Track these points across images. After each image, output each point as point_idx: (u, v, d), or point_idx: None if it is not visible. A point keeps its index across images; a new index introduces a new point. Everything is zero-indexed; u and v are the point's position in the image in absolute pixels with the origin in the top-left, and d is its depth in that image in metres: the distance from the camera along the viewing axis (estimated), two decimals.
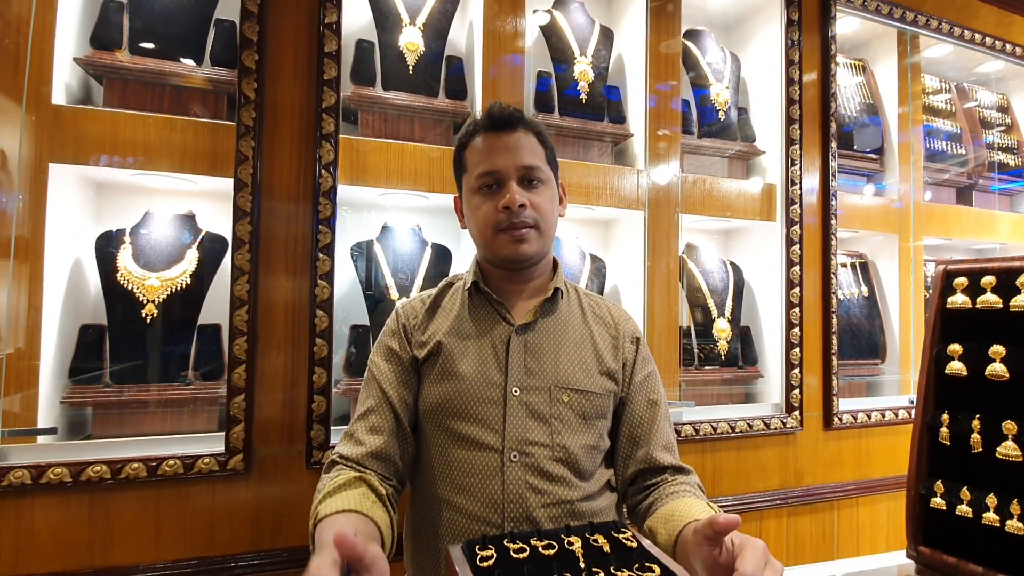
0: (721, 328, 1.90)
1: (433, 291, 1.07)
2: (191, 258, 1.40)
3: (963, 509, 0.86)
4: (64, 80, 1.30)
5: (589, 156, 1.76)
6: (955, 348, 0.90)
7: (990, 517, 0.83)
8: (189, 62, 1.39)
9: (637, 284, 1.75)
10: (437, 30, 1.59)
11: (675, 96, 1.79)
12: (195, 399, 1.36)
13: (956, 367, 0.89)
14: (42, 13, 1.23)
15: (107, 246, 1.35)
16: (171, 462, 1.23)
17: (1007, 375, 0.83)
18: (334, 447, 1.34)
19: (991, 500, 0.83)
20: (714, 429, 1.72)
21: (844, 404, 1.95)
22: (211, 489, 1.27)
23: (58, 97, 1.26)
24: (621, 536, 0.66)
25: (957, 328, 0.91)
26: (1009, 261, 0.88)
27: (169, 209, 1.44)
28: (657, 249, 1.75)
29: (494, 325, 0.98)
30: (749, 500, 1.77)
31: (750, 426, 1.78)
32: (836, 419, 1.91)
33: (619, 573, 0.59)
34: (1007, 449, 0.81)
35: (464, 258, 1.67)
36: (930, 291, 0.97)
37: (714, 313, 1.91)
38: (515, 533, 0.66)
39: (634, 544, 0.65)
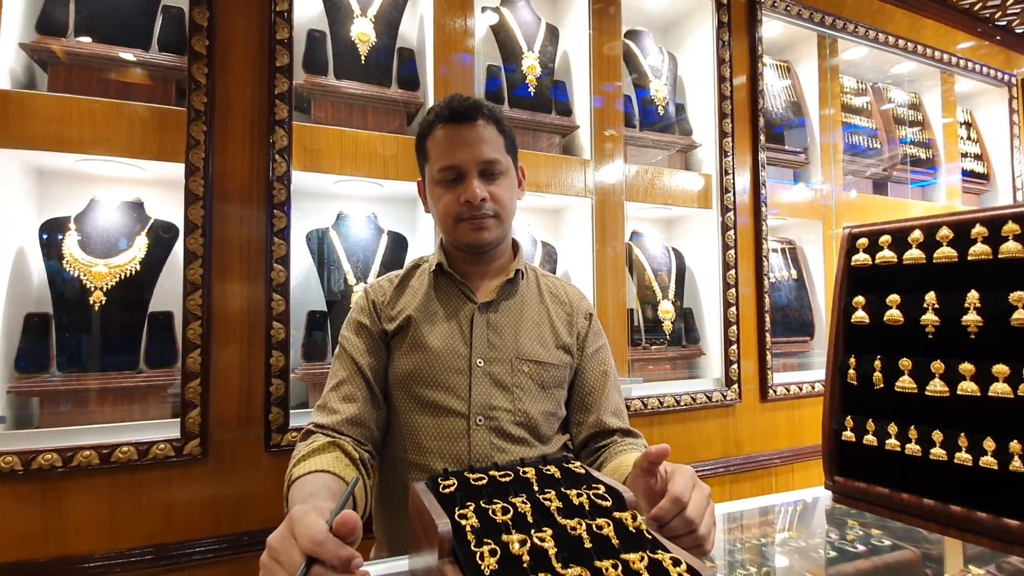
0: (666, 309, 2.02)
1: (401, 272, 1.12)
2: (140, 245, 1.38)
3: (869, 439, 0.97)
4: (9, 66, 1.27)
5: (538, 146, 1.83)
6: (859, 300, 1.02)
7: (892, 443, 0.94)
8: (135, 49, 1.38)
9: (587, 269, 1.84)
10: (388, 22, 1.64)
11: (618, 97, 1.90)
12: (147, 387, 1.34)
13: (860, 316, 1.01)
14: None
15: (52, 233, 1.32)
16: (125, 449, 1.22)
17: (902, 319, 0.95)
18: (294, 430, 1.36)
19: (892, 428, 0.95)
20: (661, 403, 1.83)
21: (778, 377, 2.11)
22: (167, 476, 1.26)
23: (2, 82, 1.24)
24: (571, 466, 0.73)
25: (861, 282, 1.03)
26: (902, 222, 1.00)
27: (116, 197, 1.42)
28: (605, 236, 1.84)
29: (459, 303, 1.04)
30: (695, 469, 1.88)
31: (694, 399, 1.89)
32: (771, 391, 2.05)
33: (568, 491, 0.65)
34: (904, 383, 0.94)
35: (419, 246, 1.71)
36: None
37: (659, 296, 2.03)
38: (475, 467, 0.71)
39: (582, 472, 0.72)
